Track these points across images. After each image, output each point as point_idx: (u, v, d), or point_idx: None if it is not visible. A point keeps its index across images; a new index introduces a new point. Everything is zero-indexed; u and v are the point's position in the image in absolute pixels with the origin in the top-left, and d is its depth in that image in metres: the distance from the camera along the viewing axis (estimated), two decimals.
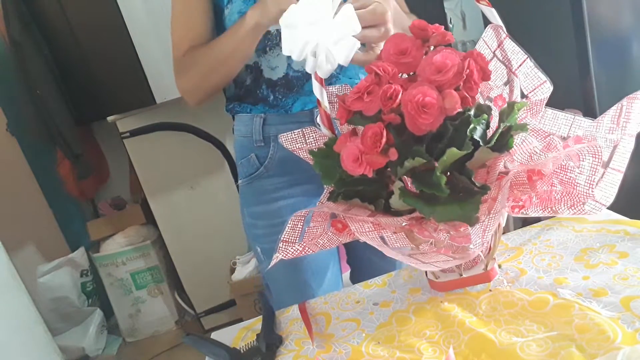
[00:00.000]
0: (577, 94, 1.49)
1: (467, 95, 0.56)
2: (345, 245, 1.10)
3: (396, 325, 0.67)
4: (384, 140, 0.56)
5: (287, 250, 0.64)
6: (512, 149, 0.59)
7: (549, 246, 0.74)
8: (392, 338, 0.65)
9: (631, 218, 0.75)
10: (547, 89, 0.64)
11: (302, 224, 0.64)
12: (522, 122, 0.63)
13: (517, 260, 0.73)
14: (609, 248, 0.69)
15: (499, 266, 0.72)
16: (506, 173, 0.58)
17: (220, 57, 0.89)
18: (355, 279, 1.12)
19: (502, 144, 0.57)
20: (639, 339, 0.52)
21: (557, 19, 1.51)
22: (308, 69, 0.64)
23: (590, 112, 1.47)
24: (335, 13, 0.63)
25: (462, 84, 0.56)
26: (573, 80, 1.48)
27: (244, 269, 2.19)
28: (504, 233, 0.77)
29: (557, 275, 0.66)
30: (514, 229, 0.82)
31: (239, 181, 1.04)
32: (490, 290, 0.67)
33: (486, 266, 0.68)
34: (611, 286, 0.61)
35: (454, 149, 0.53)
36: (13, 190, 2.35)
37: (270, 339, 0.71)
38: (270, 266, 0.66)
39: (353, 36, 0.64)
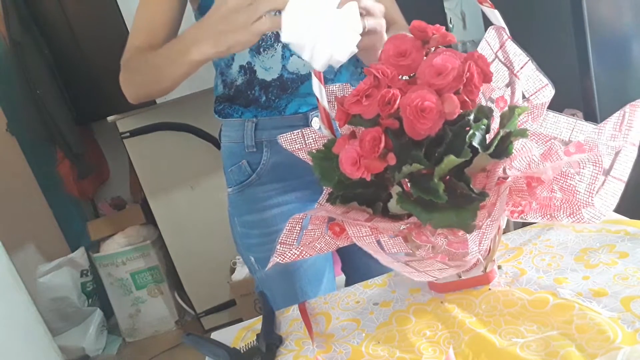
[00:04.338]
0: (577, 94, 1.49)
1: (467, 99, 0.55)
2: (341, 253, 1.09)
3: (396, 325, 0.67)
4: (382, 145, 0.55)
5: (285, 253, 0.63)
6: (512, 154, 0.57)
7: (549, 246, 0.74)
8: (392, 338, 0.65)
9: (631, 218, 0.75)
10: (549, 92, 0.63)
11: (299, 226, 0.64)
12: (522, 126, 0.62)
13: (517, 260, 0.73)
14: (609, 248, 0.69)
15: (499, 267, 0.72)
16: (506, 178, 0.57)
17: (158, 74, 0.85)
18: (350, 285, 1.11)
19: (502, 150, 0.56)
20: (639, 339, 0.52)
21: (557, 19, 1.51)
22: (305, 57, 0.63)
23: (590, 112, 1.47)
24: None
25: (462, 87, 0.55)
26: (573, 80, 1.48)
27: (244, 269, 2.19)
28: (504, 233, 0.77)
29: (557, 275, 0.66)
30: (514, 229, 0.82)
31: (228, 189, 1.00)
32: (489, 289, 0.67)
33: (485, 268, 0.68)
34: (611, 286, 0.61)
35: (452, 157, 0.52)
36: (13, 190, 2.35)
37: (270, 339, 0.70)
38: (267, 268, 0.65)
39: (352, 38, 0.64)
